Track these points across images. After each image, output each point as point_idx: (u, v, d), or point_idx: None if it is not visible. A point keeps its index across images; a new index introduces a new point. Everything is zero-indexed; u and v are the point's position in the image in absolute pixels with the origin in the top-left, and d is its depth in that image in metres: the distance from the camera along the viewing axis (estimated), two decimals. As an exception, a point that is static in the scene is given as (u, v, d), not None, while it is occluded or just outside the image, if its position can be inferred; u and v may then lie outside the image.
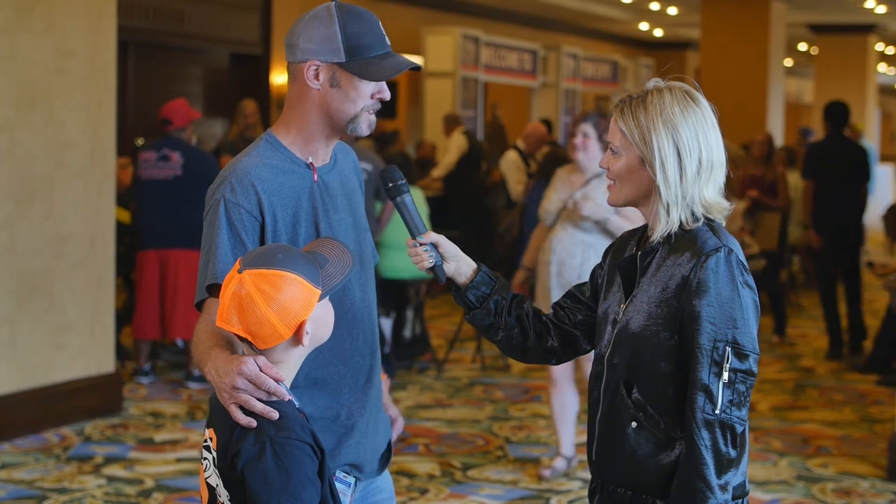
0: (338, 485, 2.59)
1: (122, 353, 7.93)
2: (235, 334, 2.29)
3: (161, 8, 11.88)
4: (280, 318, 2.23)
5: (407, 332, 8.60)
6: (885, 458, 6.08)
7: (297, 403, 2.31)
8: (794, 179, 11.17)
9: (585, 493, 5.57)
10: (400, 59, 2.64)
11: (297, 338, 2.27)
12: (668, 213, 2.47)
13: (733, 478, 2.40)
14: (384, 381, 2.87)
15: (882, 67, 26.66)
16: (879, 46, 22.47)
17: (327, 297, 2.33)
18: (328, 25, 2.59)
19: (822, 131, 9.80)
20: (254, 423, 2.22)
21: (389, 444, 2.85)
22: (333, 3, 2.63)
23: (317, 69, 2.60)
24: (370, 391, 2.75)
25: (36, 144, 6.37)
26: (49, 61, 6.42)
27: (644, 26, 22.05)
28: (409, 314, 8.61)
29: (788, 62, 23.03)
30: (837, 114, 9.11)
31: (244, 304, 2.23)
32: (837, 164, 9.00)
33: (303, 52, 2.61)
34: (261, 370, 2.25)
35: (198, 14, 12.34)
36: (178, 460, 6.05)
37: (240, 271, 2.26)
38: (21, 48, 6.27)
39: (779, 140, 15.45)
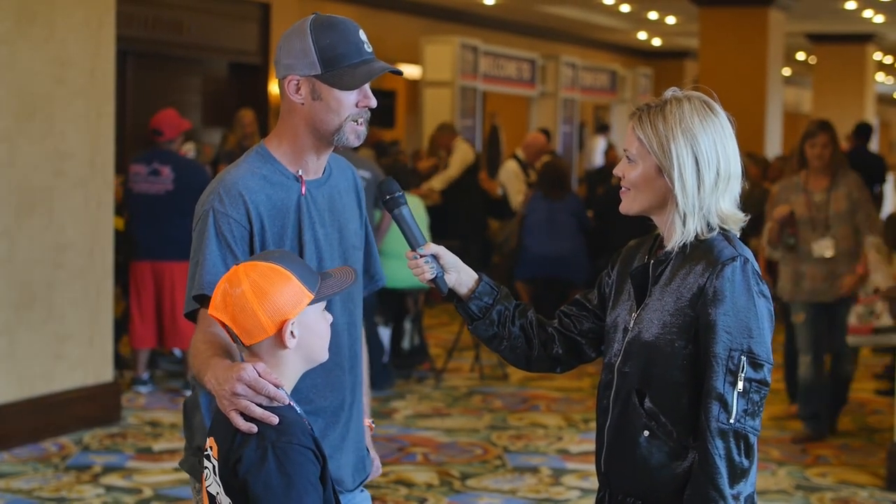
0: None
1: (120, 362, 7.92)
2: (226, 328, 2.29)
3: (160, 18, 11.89)
4: (264, 310, 2.23)
5: (405, 343, 8.60)
6: (883, 468, 6.08)
7: (298, 409, 2.31)
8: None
9: (582, 502, 5.58)
10: (374, 65, 2.64)
11: (280, 337, 2.26)
12: (683, 222, 2.48)
13: (744, 488, 2.40)
14: (367, 426, 2.88)
15: (880, 77, 26.69)
16: (877, 56, 22.49)
17: (324, 310, 2.34)
18: (302, 39, 2.61)
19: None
20: (254, 428, 2.22)
21: (365, 464, 2.85)
22: (311, 16, 2.65)
23: (297, 83, 2.62)
24: (347, 408, 2.75)
25: (35, 154, 6.38)
26: (49, 71, 6.43)
27: (642, 36, 22.07)
28: (408, 325, 8.61)
29: (787, 71, 23.05)
30: (861, 131, 12.73)
31: (234, 293, 2.25)
32: (859, 170, 10.75)
33: (284, 67, 2.65)
34: (260, 376, 2.25)
35: (197, 24, 12.36)
36: (177, 469, 6.04)
37: (237, 265, 2.29)
38: (21, 58, 6.28)
39: (777, 149, 15.47)
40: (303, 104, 2.63)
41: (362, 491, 2.85)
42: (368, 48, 2.65)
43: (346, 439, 2.74)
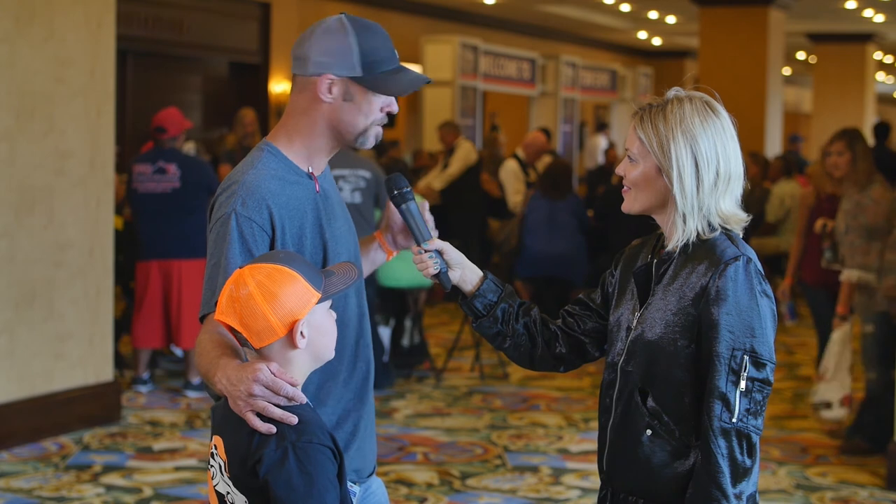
0: None
1: (120, 361, 7.93)
2: (233, 332, 2.28)
3: (160, 17, 11.89)
4: (274, 312, 2.22)
5: (405, 342, 8.60)
6: (883, 467, 6.08)
7: (311, 405, 2.31)
8: (791, 188, 11.19)
9: (582, 501, 5.58)
10: (414, 74, 2.65)
11: (291, 338, 2.26)
12: (684, 222, 2.48)
13: (747, 487, 2.41)
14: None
15: (880, 76, 26.70)
16: (878, 55, 22.50)
17: (330, 308, 2.33)
18: (343, 39, 2.59)
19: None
20: (273, 429, 2.21)
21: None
22: (344, 15, 2.63)
23: (331, 83, 2.59)
24: (368, 396, 2.76)
25: (35, 153, 6.38)
26: (49, 70, 6.43)
27: (643, 35, 22.08)
28: (408, 323, 8.61)
29: (787, 71, 23.06)
30: (879, 130, 12.53)
31: (241, 296, 2.24)
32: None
33: (316, 65, 2.60)
34: (275, 376, 2.23)
35: (197, 23, 12.36)
36: (177, 469, 6.04)
37: (241, 267, 2.29)
38: (21, 57, 6.28)
39: (777, 149, 15.47)
40: (330, 104, 2.60)
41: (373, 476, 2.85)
42: (397, 55, 2.66)
43: (367, 427, 2.76)
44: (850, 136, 6.50)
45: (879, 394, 6.42)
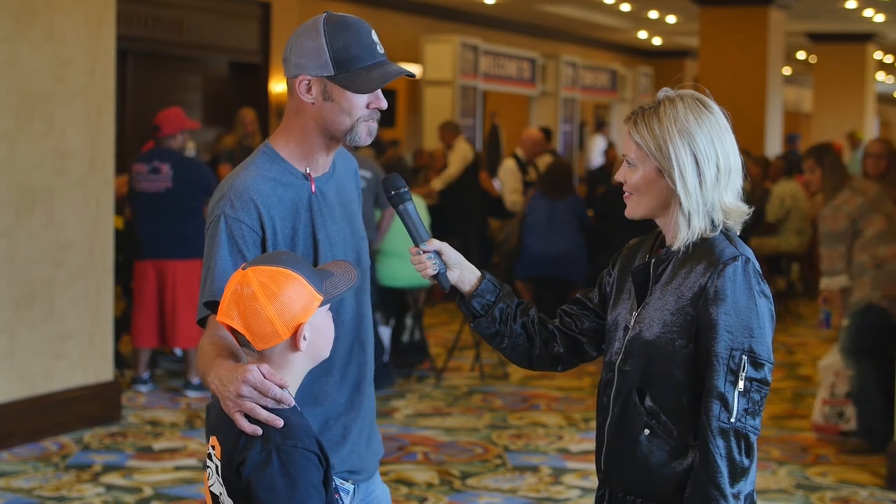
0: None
1: (120, 361, 7.93)
2: (235, 334, 2.28)
3: (160, 17, 11.89)
4: (279, 316, 2.23)
5: (405, 338, 8.59)
6: (884, 467, 6.08)
7: (299, 409, 2.31)
8: (791, 188, 11.19)
9: (583, 501, 5.58)
10: (389, 68, 2.63)
11: (294, 341, 2.26)
12: (689, 221, 2.48)
13: (745, 486, 2.41)
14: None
15: (881, 76, 26.69)
16: (878, 55, 22.49)
17: (328, 309, 2.33)
18: (315, 39, 2.59)
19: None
20: (259, 430, 2.21)
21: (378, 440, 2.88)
22: (323, 15, 2.64)
23: (308, 83, 2.60)
24: (364, 399, 2.76)
25: (35, 153, 6.38)
26: (49, 70, 6.43)
27: (643, 35, 22.08)
28: (409, 321, 8.61)
29: (787, 71, 23.05)
30: None
31: (245, 299, 2.23)
32: None
33: (294, 66, 2.62)
34: (265, 377, 2.24)
35: (197, 23, 12.36)
36: (177, 468, 6.04)
37: (244, 269, 2.28)
38: (21, 57, 6.28)
39: (777, 149, 15.47)
40: (313, 104, 2.61)
41: (376, 479, 2.84)
42: (381, 49, 2.64)
43: (363, 431, 2.76)
44: (819, 153, 6.64)
45: (861, 389, 6.52)
